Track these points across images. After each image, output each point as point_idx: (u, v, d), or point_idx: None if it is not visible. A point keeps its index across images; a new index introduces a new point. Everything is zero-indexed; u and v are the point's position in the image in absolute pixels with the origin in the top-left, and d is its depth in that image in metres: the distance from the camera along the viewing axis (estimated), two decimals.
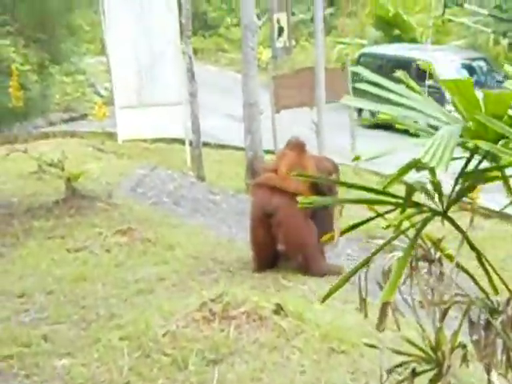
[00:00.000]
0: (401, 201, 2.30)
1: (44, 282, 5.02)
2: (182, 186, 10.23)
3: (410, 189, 2.35)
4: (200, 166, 11.68)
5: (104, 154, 11.59)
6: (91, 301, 4.72)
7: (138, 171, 10.33)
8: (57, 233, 6.19)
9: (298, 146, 5.37)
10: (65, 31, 7.21)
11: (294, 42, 26.75)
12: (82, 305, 4.68)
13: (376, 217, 2.36)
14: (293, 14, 27.54)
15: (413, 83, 2.54)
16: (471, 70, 17.31)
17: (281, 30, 25.18)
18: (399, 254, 2.40)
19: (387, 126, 18.11)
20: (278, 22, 25.24)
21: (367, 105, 2.48)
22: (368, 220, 2.34)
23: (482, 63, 17.49)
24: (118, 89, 12.80)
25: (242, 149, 14.27)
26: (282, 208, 5.04)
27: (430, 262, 2.44)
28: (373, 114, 18.26)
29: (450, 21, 17.66)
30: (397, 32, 20.33)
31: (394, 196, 2.29)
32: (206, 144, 12.61)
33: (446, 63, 16.79)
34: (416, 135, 2.47)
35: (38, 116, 8.87)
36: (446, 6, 11.26)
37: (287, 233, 5.08)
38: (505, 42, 19.27)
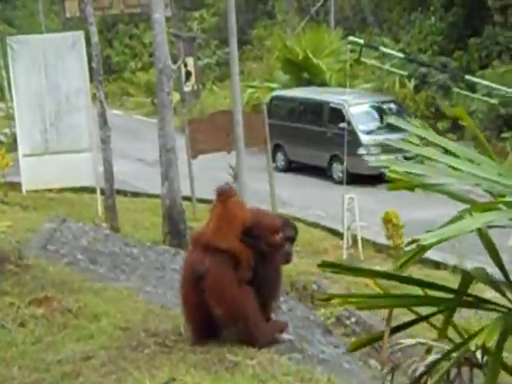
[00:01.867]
0: (450, 295, 1.83)
1: None
2: (96, 240, 9.51)
3: (468, 278, 1.88)
4: (114, 217, 11.03)
5: (8, 207, 10.74)
6: None
7: (46, 225, 9.55)
8: None
9: (224, 195, 4.76)
10: None
11: (201, 86, 26.52)
12: None
13: (422, 319, 1.89)
14: (198, 58, 27.37)
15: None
16: (381, 112, 17.45)
17: (188, 73, 24.87)
18: (434, 357, 1.93)
19: (298, 170, 18.04)
20: (185, 65, 24.92)
21: (404, 166, 2.02)
22: (415, 322, 1.87)
23: (392, 105, 17.67)
24: (22, 136, 12.05)
25: (156, 196, 13.72)
26: (214, 269, 4.46)
27: (475, 367, 1.98)
28: (288, 159, 18.16)
29: (360, 64, 17.80)
30: (306, 75, 20.39)
31: (441, 287, 1.82)
32: (117, 191, 11.97)
33: (357, 106, 16.85)
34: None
35: None
36: (361, 50, 11.23)
37: (220, 299, 4.46)
38: (411, 84, 19.64)
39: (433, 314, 1.93)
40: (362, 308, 2.03)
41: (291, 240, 4.77)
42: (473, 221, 1.80)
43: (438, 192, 2.18)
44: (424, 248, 1.81)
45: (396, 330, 2.00)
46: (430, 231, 1.62)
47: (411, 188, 2.23)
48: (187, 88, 24.04)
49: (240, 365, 4.14)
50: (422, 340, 2.46)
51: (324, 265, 2.01)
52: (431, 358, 1.98)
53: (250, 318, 4.50)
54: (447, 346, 2.03)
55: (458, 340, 2.10)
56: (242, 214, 4.70)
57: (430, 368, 2.01)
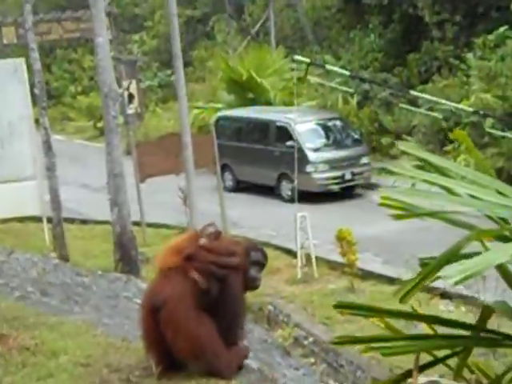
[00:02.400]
0: (466, 333, 1.76)
1: None
2: (45, 271, 9.23)
3: (487, 312, 1.80)
4: (63, 246, 10.77)
5: None
6: None
7: None
8: None
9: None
10: None
11: (144, 108, 26.29)
12: None
13: (442, 360, 1.81)
14: (140, 80, 27.15)
15: None
16: (327, 129, 17.58)
17: (131, 96, 24.61)
18: None
19: (247, 189, 17.99)
20: (128, 88, 24.67)
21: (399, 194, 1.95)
22: (435, 362, 1.78)
23: (337, 122, 17.81)
24: None
25: (104, 222, 13.46)
26: (170, 301, 4.28)
27: None
28: (236, 179, 18.08)
29: (303, 82, 17.88)
30: (250, 95, 20.41)
31: (459, 324, 1.75)
32: (64, 219, 11.68)
33: (303, 124, 16.92)
34: None
35: None
36: (307, 68, 11.30)
37: (176, 332, 4.29)
38: (354, 101, 19.85)
39: (452, 355, 1.85)
40: (387, 355, 1.93)
41: (259, 265, 4.67)
42: (499, 254, 1.70)
43: (439, 219, 2.12)
44: (425, 278, 1.74)
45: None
46: (452, 266, 1.54)
47: (415, 216, 2.16)
48: (130, 111, 23.75)
49: None
50: (436, 379, 2.38)
51: (340, 306, 1.92)
52: None
53: (208, 350, 4.35)
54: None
55: (473, 380, 2.03)
56: (187, 242, 4.64)
57: None
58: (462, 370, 1.93)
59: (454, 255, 1.70)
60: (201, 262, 4.40)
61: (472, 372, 2.12)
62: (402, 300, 1.72)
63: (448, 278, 1.63)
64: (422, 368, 1.89)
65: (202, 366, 4.41)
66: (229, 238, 5.20)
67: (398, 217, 2.10)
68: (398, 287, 1.76)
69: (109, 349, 5.00)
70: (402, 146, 2.55)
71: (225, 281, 4.43)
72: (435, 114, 14.07)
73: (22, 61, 11.70)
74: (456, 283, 1.61)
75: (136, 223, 11.86)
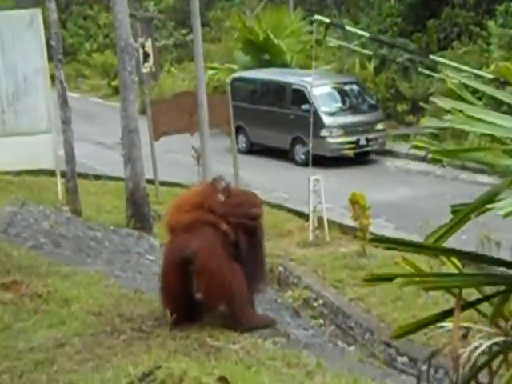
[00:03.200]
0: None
1: None
2: (58, 224, 9.25)
3: None
4: (76, 200, 10.75)
5: None
6: None
7: (6, 209, 9.24)
8: None
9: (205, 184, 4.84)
10: None
11: (159, 68, 26.14)
12: None
13: (488, 298, 1.76)
14: (155, 39, 26.94)
15: None
16: (344, 93, 17.39)
17: (146, 55, 24.43)
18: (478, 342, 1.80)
19: (260, 152, 17.91)
20: (143, 47, 24.48)
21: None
22: (481, 301, 1.73)
23: (354, 86, 17.61)
24: None
25: (117, 179, 13.44)
26: (202, 251, 4.36)
27: None
28: (250, 141, 17.99)
29: (320, 45, 17.66)
30: (266, 57, 20.19)
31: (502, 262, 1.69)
32: (78, 174, 11.65)
33: (320, 87, 16.75)
34: None
35: None
36: (326, 30, 11.14)
37: (210, 280, 4.36)
38: (371, 66, 19.61)
39: (484, 299, 1.79)
40: (428, 289, 1.89)
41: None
42: None
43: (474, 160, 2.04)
44: (460, 222, 1.67)
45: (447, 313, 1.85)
46: (502, 200, 1.47)
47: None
48: (145, 70, 23.61)
49: (222, 350, 4.00)
50: (465, 324, 2.34)
51: (376, 240, 1.86)
52: (476, 343, 1.86)
53: (237, 300, 4.44)
54: (491, 330, 1.90)
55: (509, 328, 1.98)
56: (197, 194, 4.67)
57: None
58: (498, 316, 1.88)
59: (489, 200, 1.64)
60: (228, 215, 4.46)
61: (507, 320, 2.07)
62: (437, 240, 1.66)
63: (499, 209, 1.58)
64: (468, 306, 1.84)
65: (223, 317, 4.46)
66: (238, 190, 5.20)
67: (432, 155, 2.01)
68: (432, 231, 1.70)
69: (121, 299, 4.99)
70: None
71: (253, 232, 4.55)
72: (455, 81, 13.85)
73: (38, 11, 11.55)
74: (506, 215, 1.56)
75: (149, 181, 11.83)
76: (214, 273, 4.36)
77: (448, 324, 2.43)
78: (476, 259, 1.89)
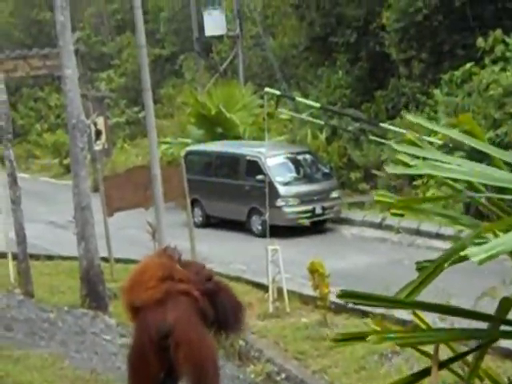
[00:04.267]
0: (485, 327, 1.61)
1: None
2: (9, 307, 8.95)
3: (506, 304, 1.67)
4: (28, 282, 10.44)
5: None
6: None
7: None
8: None
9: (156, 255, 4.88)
10: None
11: (111, 145, 26.12)
12: None
13: (463, 355, 1.66)
14: (107, 117, 27.03)
15: None
16: (297, 163, 17.54)
17: (98, 132, 24.43)
18: None
19: (217, 225, 17.80)
20: (95, 125, 24.49)
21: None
22: (456, 358, 1.63)
23: (307, 156, 17.79)
24: None
25: (70, 258, 13.14)
26: (180, 322, 4.30)
27: None
28: (205, 214, 17.89)
29: (272, 117, 17.90)
30: (219, 130, 20.36)
31: (477, 315, 1.60)
32: (30, 256, 11.35)
33: (274, 158, 16.87)
34: None
35: None
36: (277, 102, 11.27)
37: (190, 350, 4.25)
38: (323, 136, 19.90)
39: (472, 350, 1.70)
40: (403, 345, 1.78)
41: None
42: None
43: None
44: (437, 270, 1.59)
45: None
46: (478, 246, 1.40)
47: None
48: (98, 147, 23.55)
49: None
50: None
51: (344, 295, 1.77)
52: None
53: (212, 372, 4.36)
54: None
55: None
56: (157, 266, 4.57)
57: None
58: (477, 372, 1.79)
59: (459, 250, 1.57)
60: (195, 283, 4.47)
61: (481, 380, 1.98)
62: (409, 295, 1.57)
63: (473, 255, 1.49)
64: (447, 363, 1.74)
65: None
66: (186, 260, 5.12)
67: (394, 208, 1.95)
68: (401, 288, 1.62)
69: (77, 381, 4.76)
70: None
71: (216, 296, 4.58)
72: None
73: None
74: (481, 262, 1.47)
75: (104, 259, 11.58)
76: (194, 342, 4.30)
77: None
78: (453, 312, 1.81)
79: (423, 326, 1.96)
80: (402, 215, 2.08)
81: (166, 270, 4.48)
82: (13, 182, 10.58)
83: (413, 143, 2.11)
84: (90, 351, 6.93)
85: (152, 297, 4.35)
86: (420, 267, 1.92)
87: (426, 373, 1.85)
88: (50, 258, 13.94)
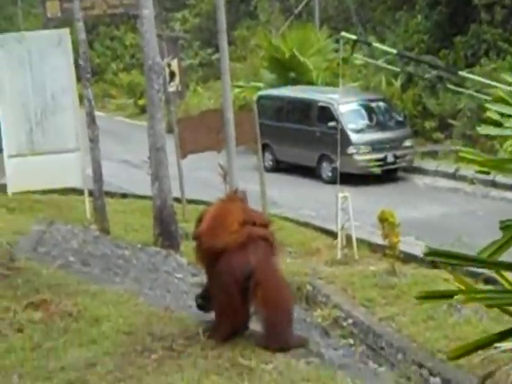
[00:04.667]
0: None
1: None
2: (86, 242, 9.26)
3: None
4: (103, 218, 10.75)
5: None
6: None
7: (34, 228, 9.28)
8: None
9: (227, 200, 4.95)
10: None
11: (185, 87, 26.29)
12: None
13: None
14: (181, 58, 27.13)
15: None
16: (370, 110, 17.29)
17: (172, 74, 24.61)
18: None
19: (286, 170, 17.83)
20: (169, 66, 24.67)
21: None
22: None
23: (380, 103, 17.52)
24: (7, 136, 11.71)
25: (144, 197, 13.45)
26: (261, 266, 4.54)
27: None
28: (276, 159, 17.93)
29: (346, 63, 17.60)
30: (292, 75, 20.18)
31: None
32: (105, 193, 11.67)
33: (346, 105, 16.68)
34: None
35: None
36: (353, 47, 11.07)
37: (269, 293, 4.51)
38: (398, 83, 19.50)
39: None
40: (491, 306, 1.79)
41: None
42: None
43: None
44: None
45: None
46: None
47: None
48: (171, 89, 23.77)
49: (255, 370, 3.91)
50: None
51: (430, 254, 1.78)
52: None
53: (290, 314, 4.67)
54: None
55: None
56: (236, 210, 4.70)
57: None
58: None
59: None
60: (265, 226, 4.74)
61: None
62: (493, 254, 1.57)
63: None
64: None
65: (267, 329, 4.54)
66: None
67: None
68: (484, 246, 1.62)
69: (151, 318, 4.93)
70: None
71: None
72: (485, 97, 13.70)
73: (66, 31, 11.64)
74: None
75: (176, 199, 11.80)
76: (272, 284, 4.54)
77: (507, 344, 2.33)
78: None
79: (508, 287, 1.95)
80: (488, 173, 2.05)
81: (246, 214, 4.62)
82: (91, 121, 10.82)
83: (503, 100, 2.06)
84: (162, 289, 7.15)
85: (236, 240, 4.51)
86: (504, 226, 1.90)
87: (510, 333, 1.85)
88: (124, 196, 14.29)
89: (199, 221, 4.84)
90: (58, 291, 5.51)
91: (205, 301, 4.78)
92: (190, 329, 4.66)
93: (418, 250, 11.30)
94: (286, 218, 13.42)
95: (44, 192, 12.48)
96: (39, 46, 11.39)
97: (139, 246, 9.94)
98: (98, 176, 10.79)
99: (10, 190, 11.67)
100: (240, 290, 4.47)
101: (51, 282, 5.90)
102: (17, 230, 8.71)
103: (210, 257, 4.59)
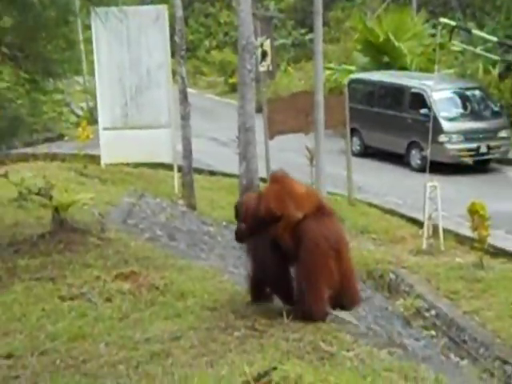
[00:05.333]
0: None
1: (35, 341, 4.18)
2: (173, 217, 9.46)
3: None
4: (191, 194, 10.93)
5: (87, 179, 10.76)
6: (94, 366, 3.89)
7: (125, 199, 9.54)
8: (45, 273, 5.35)
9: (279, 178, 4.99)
10: (61, 45, 6.39)
11: (275, 67, 26.26)
12: (83, 371, 3.85)
13: None
14: (273, 38, 27.09)
15: None
16: (465, 98, 16.84)
17: (264, 53, 24.61)
18: None
19: (374, 155, 17.61)
20: (261, 45, 24.68)
21: None
22: None
23: (476, 92, 17.03)
24: (102, 109, 12.03)
25: (231, 175, 13.57)
26: (343, 239, 4.86)
27: None
28: (364, 144, 17.75)
29: (442, 48, 17.16)
30: (386, 59, 19.85)
31: None
32: (193, 170, 11.84)
33: (440, 92, 16.29)
34: None
35: (23, 135, 8.01)
36: (451, 32, 10.77)
37: (349, 263, 4.85)
38: (495, 71, 18.89)
39: None
40: None
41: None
42: None
43: None
44: None
45: None
46: None
47: None
48: (262, 68, 23.78)
49: (336, 356, 3.91)
50: None
51: None
52: None
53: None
54: None
55: None
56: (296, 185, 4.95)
57: None
58: None
59: None
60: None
61: None
62: None
63: None
64: None
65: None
66: None
67: None
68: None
69: (235, 295, 5.00)
70: None
71: None
72: None
73: (164, 7, 11.81)
74: None
75: (262, 179, 11.86)
76: (349, 252, 4.93)
77: None
78: None
79: None
80: None
81: (309, 190, 5.09)
82: (183, 98, 10.98)
83: None
84: (247, 267, 7.22)
85: (313, 210, 4.68)
86: None
87: None
88: (212, 173, 14.46)
89: (241, 209, 4.95)
90: (146, 264, 5.65)
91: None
92: (272, 309, 4.69)
93: (509, 244, 11.01)
94: (371, 204, 13.29)
95: (135, 165, 12.79)
96: (137, 22, 11.59)
97: (224, 223, 10.06)
98: (187, 152, 10.96)
99: (103, 161, 12.02)
100: (333, 257, 4.65)
101: (139, 254, 6.06)
102: (108, 201, 8.96)
103: (287, 225, 4.65)
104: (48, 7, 5.69)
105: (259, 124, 12.62)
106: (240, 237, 4.96)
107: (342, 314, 4.90)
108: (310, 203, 4.72)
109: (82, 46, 17.92)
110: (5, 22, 6.40)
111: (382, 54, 19.92)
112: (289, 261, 4.70)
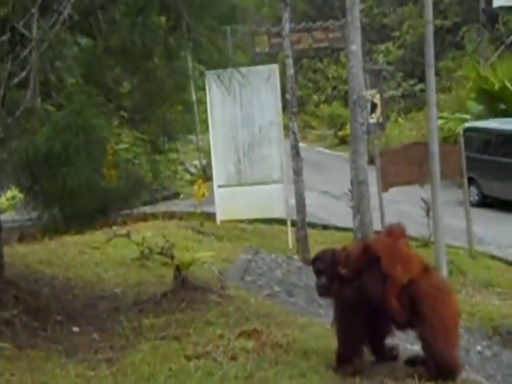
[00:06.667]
0: None
1: None
2: (289, 272, 9.45)
3: None
4: (305, 249, 10.91)
5: (204, 237, 10.96)
6: None
7: (242, 256, 9.63)
8: (170, 332, 5.44)
9: (395, 232, 4.74)
10: (179, 108, 6.65)
11: (386, 118, 26.19)
12: None
13: None
14: (383, 90, 27.08)
15: None
16: None
17: (374, 106, 24.65)
18: None
19: (493, 205, 17.03)
20: (371, 97, 24.74)
21: None
22: None
23: None
24: (216, 167, 12.32)
25: (344, 229, 13.48)
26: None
27: None
28: (482, 193, 17.23)
29: None
30: (502, 106, 19.38)
31: None
32: (307, 224, 11.82)
33: None
34: None
35: (145, 195, 8.29)
36: None
37: None
38: None
39: None
40: None
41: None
42: None
43: None
44: None
45: None
46: None
47: None
48: (372, 120, 23.79)
49: None
50: None
51: None
52: None
53: None
54: None
55: None
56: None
57: None
58: None
59: None
60: None
61: None
62: None
63: None
64: None
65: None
66: None
67: None
68: None
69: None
70: None
71: None
72: None
73: (275, 67, 12.07)
74: None
75: (377, 232, 11.69)
76: None
77: None
78: None
79: None
80: None
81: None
82: (295, 153, 11.08)
83: None
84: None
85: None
86: None
87: None
88: (325, 227, 14.41)
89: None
90: (267, 321, 5.64)
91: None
92: (398, 369, 4.56)
93: None
94: (494, 257, 12.83)
95: (250, 221, 12.94)
96: (250, 81, 11.86)
97: None
98: (301, 207, 10.99)
99: (218, 218, 12.24)
100: None
101: (260, 311, 6.06)
102: (226, 258, 9.08)
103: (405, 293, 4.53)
104: (169, 75, 5.94)
105: (371, 175, 12.55)
106: (323, 291, 4.89)
107: (471, 374, 4.69)
108: (417, 266, 4.60)
109: (195, 107, 18.54)
110: (124, 88, 6.70)
111: (497, 102, 19.48)
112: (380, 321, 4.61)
